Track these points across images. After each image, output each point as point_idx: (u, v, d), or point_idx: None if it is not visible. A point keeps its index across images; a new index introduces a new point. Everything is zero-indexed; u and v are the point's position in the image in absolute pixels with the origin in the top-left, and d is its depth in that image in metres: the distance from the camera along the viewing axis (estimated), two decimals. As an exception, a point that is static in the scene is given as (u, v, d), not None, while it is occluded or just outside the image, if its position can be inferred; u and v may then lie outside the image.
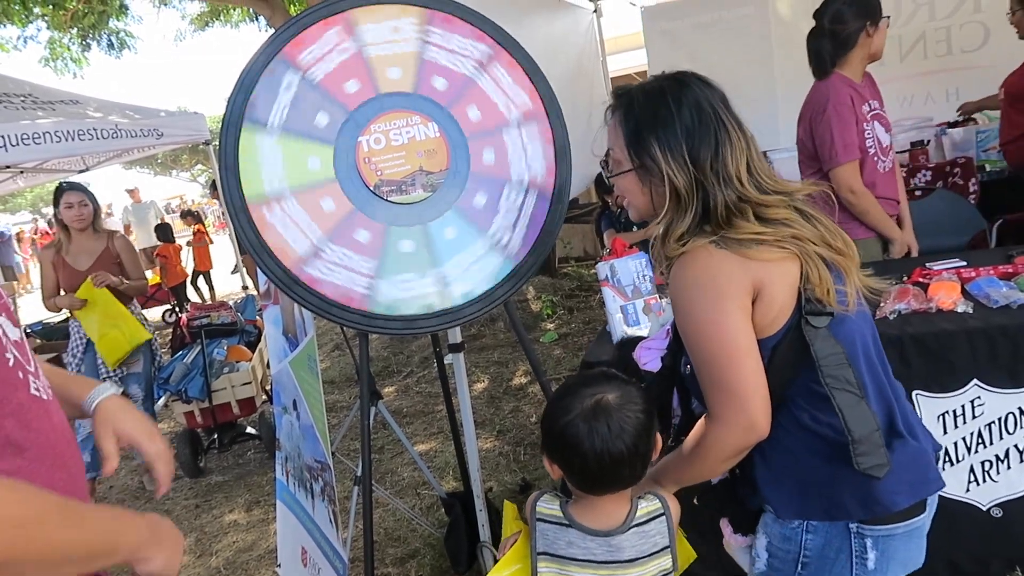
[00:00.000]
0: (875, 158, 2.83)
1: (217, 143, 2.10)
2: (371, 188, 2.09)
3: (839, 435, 1.29)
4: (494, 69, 2.21)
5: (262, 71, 2.04)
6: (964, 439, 2.17)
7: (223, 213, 15.33)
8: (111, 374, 4.27)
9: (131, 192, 13.49)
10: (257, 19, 11.29)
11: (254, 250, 2.01)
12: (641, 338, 2.42)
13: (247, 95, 2.02)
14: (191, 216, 11.64)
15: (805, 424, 1.34)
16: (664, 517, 1.42)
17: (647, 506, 1.42)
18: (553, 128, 2.23)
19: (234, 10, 11.54)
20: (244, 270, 8.33)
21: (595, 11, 7.13)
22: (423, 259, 2.13)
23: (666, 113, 1.37)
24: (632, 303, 2.50)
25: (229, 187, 2.01)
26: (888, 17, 2.80)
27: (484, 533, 2.70)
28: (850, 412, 1.27)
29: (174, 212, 20.84)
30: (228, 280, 11.98)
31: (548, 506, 1.46)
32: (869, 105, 2.84)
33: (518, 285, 2.19)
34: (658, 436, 1.43)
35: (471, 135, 2.18)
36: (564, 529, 1.42)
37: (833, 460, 1.32)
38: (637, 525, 1.40)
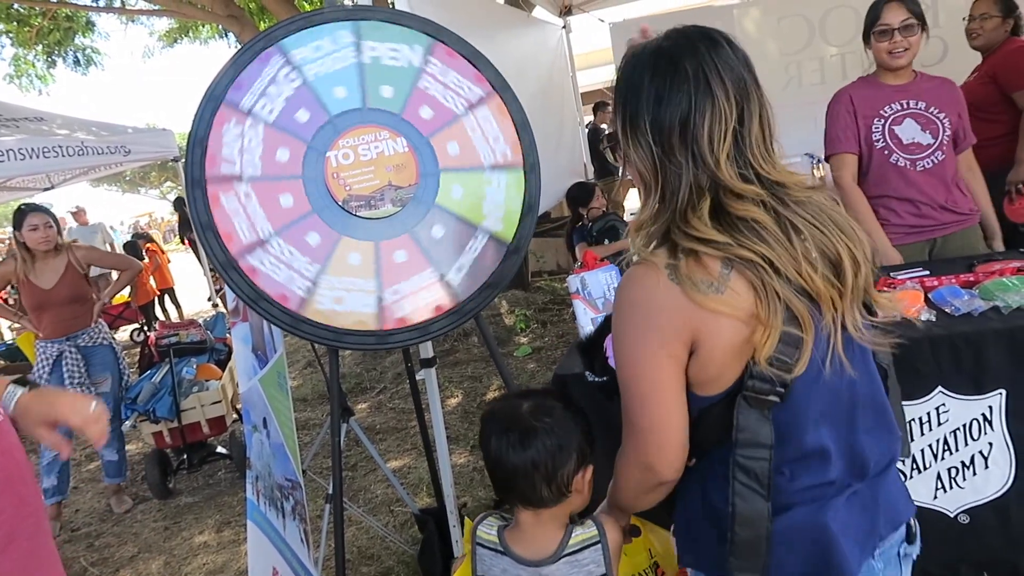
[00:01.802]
0: (885, 152, 2.88)
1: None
2: (340, 203, 2.08)
3: None
4: (481, 110, 2.24)
5: (225, 92, 2.03)
6: (931, 446, 2.20)
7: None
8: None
9: (76, 213, 11.82)
10: (226, 36, 11.23)
11: (203, 228, 1.99)
12: None
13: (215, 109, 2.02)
14: (142, 239, 11.38)
15: (720, 489, 1.18)
16: (600, 545, 1.37)
17: (581, 533, 1.38)
18: (523, 144, 2.26)
19: (203, 27, 11.46)
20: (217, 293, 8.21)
21: (564, 27, 7.19)
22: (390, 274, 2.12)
23: (637, 78, 1.14)
24: (603, 315, 2.51)
25: (193, 161, 1.99)
26: (877, 32, 2.90)
27: (458, 549, 2.68)
28: (742, 509, 1.14)
29: (142, 230, 20.35)
30: (197, 298, 11.83)
31: (487, 531, 1.45)
32: (901, 104, 2.88)
33: (487, 300, 2.19)
34: (588, 469, 1.39)
35: (430, 133, 2.19)
36: (499, 556, 1.41)
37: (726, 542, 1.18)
38: (570, 554, 1.37)
